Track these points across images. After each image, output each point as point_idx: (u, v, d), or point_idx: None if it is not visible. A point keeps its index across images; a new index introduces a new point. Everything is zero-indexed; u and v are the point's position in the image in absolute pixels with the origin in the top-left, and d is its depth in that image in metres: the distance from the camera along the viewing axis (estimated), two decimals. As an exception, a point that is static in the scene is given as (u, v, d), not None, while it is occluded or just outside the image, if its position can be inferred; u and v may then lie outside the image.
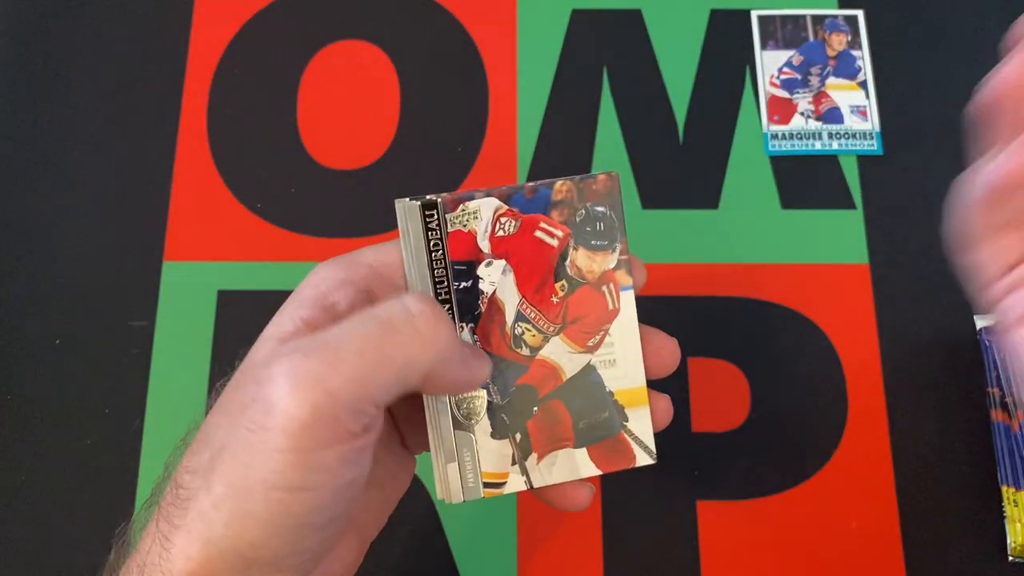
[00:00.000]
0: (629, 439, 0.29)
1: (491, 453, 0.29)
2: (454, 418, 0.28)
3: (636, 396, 0.29)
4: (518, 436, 0.29)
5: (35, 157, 0.49)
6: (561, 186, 0.28)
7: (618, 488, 0.43)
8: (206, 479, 0.24)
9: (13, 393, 0.44)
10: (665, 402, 0.30)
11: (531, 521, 0.43)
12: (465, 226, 0.28)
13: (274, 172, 0.49)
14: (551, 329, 0.29)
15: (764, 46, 0.51)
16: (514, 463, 0.29)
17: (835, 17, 0.52)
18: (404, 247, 0.28)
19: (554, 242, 0.28)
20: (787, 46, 0.51)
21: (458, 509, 0.43)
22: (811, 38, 0.51)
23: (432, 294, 0.28)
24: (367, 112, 0.50)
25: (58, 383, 0.44)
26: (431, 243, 0.28)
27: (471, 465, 0.29)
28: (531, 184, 0.28)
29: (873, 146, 0.49)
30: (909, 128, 0.50)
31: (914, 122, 0.50)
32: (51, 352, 0.45)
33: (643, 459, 0.29)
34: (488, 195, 0.28)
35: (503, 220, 0.28)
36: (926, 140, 0.49)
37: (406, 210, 0.28)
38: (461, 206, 0.28)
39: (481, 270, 0.28)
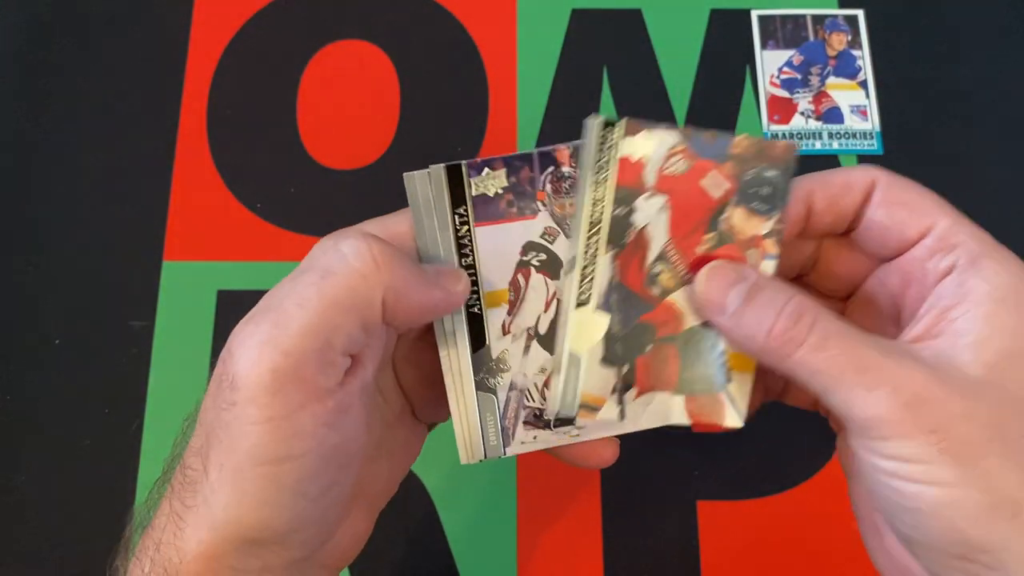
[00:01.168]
0: (726, 399, 0.29)
1: (596, 377, 0.29)
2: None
3: (745, 362, 0.29)
4: (625, 368, 0.29)
5: (35, 157, 0.49)
6: (741, 140, 0.28)
7: (618, 488, 0.43)
8: (204, 463, 0.24)
9: (13, 393, 0.44)
10: (612, 449, 0.30)
11: (531, 521, 0.43)
12: (633, 156, 0.27)
13: (274, 172, 0.49)
14: (687, 276, 0.29)
15: (764, 46, 0.51)
16: (614, 392, 0.29)
17: (835, 17, 0.52)
18: (424, 215, 0.28)
19: (717, 193, 0.28)
20: (787, 46, 0.51)
21: (458, 509, 0.43)
22: (811, 38, 0.51)
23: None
24: (367, 112, 0.50)
25: (58, 383, 0.44)
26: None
27: (574, 384, 0.29)
28: (713, 131, 0.28)
29: (873, 146, 0.49)
30: (909, 128, 0.50)
31: (914, 122, 0.50)
32: (51, 352, 0.45)
33: (732, 421, 0.29)
34: (670, 130, 0.28)
35: (676, 158, 0.28)
36: (926, 140, 0.49)
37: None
38: (643, 132, 0.27)
39: (639, 201, 0.28)
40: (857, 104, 0.50)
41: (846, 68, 0.51)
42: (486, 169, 0.28)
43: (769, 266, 0.28)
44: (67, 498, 0.43)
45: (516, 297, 0.29)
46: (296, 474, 0.24)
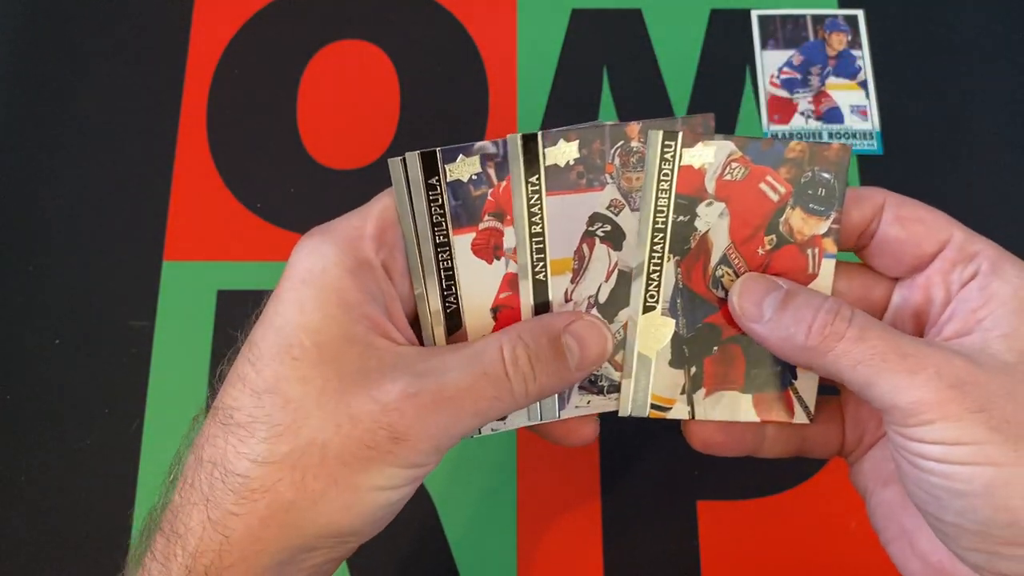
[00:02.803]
0: (793, 396, 0.30)
1: (665, 379, 0.30)
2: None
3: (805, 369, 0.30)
4: (692, 369, 0.30)
5: (35, 157, 0.49)
6: (795, 145, 0.29)
7: (618, 488, 0.43)
8: (298, 471, 0.25)
9: (13, 393, 0.44)
10: (592, 426, 0.31)
11: (531, 521, 0.43)
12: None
13: (274, 172, 0.49)
14: None
15: (764, 46, 0.51)
16: (683, 392, 0.30)
17: (835, 17, 0.52)
18: (403, 205, 0.29)
19: (775, 197, 0.29)
20: (787, 46, 0.51)
21: (458, 509, 0.43)
22: (811, 38, 0.51)
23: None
24: (367, 112, 0.50)
25: (58, 383, 0.44)
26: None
27: (644, 386, 0.30)
28: (768, 137, 0.29)
29: (873, 146, 0.49)
30: (909, 128, 0.50)
31: (914, 122, 0.50)
32: (51, 352, 0.45)
33: (800, 418, 0.30)
34: (727, 139, 0.29)
35: (733, 165, 0.29)
36: (926, 140, 0.49)
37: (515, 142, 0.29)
38: (702, 142, 0.29)
39: (700, 208, 0.29)
40: (857, 104, 0.50)
41: (846, 68, 0.51)
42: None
43: (829, 265, 0.29)
44: (67, 498, 0.43)
45: (580, 266, 0.29)
46: (406, 492, 0.26)
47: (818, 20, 0.52)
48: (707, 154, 0.29)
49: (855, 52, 0.51)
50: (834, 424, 0.31)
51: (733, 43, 0.51)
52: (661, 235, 0.29)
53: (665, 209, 0.29)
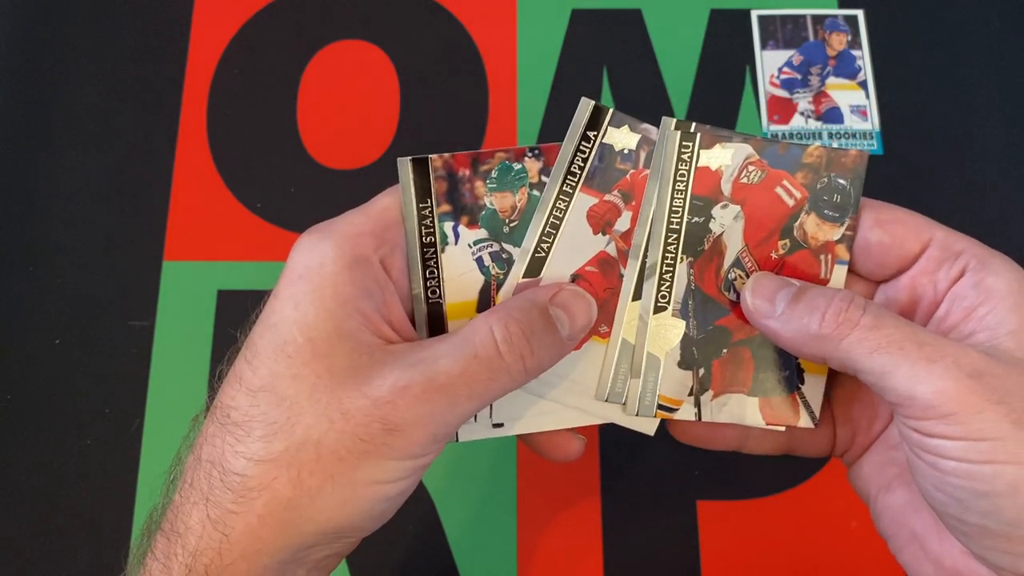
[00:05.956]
0: (799, 401, 0.30)
1: (673, 380, 0.30)
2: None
3: (818, 364, 0.30)
4: (701, 371, 0.30)
5: (36, 157, 0.49)
6: (813, 150, 0.29)
7: (618, 488, 0.43)
8: (293, 468, 0.24)
9: (13, 393, 0.44)
10: (578, 444, 0.31)
11: (531, 521, 0.43)
12: (712, 165, 0.29)
13: (274, 172, 0.49)
14: None
15: (764, 46, 0.51)
16: (691, 394, 0.30)
17: (835, 17, 0.52)
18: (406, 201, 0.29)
19: (791, 202, 0.29)
20: (787, 46, 0.51)
21: (458, 509, 0.43)
22: (811, 38, 0.51)
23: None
24: (367, 112, 0.50)
25: (58, 383, 0.44)
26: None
27: (652, 386, 0.30)
28: (785, 141, 0.29)
29: (873, 146, 0.49)
30: (909, 128, 0.50)
31: (914, 122, 0.50)
32: (51, 352, 0.45)
33: (805, 422, 0.30)
34: (745, 141, 0.29)
35: (750, 168, 0.29)
36: (926, 140, 0.49)
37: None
38: (719, 144, 0.29)
39: (716, 210, 0.29)
40: (857, 104, 0.50)
41: (846, 68, 0.51)
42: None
43: (841, 271, 0.29)
44: (67, 498, 0.43)
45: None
46: (405, 486, 0.26)
47: (818, 20, 0.52)
48: (724, 156, 0.29)
49: (855, 52, 0.51)
50: (824, 424, 0.31)
51: (733, 43, 0.51)
52: (675, 236, 0.29)
53: (680, 210, 0.29)
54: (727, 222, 0.29)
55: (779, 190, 0.29)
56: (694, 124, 0.29)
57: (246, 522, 0.24)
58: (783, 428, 0.30)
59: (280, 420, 0.25)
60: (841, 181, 0.29)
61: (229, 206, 0.48)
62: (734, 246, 0.29)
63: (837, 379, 0.31)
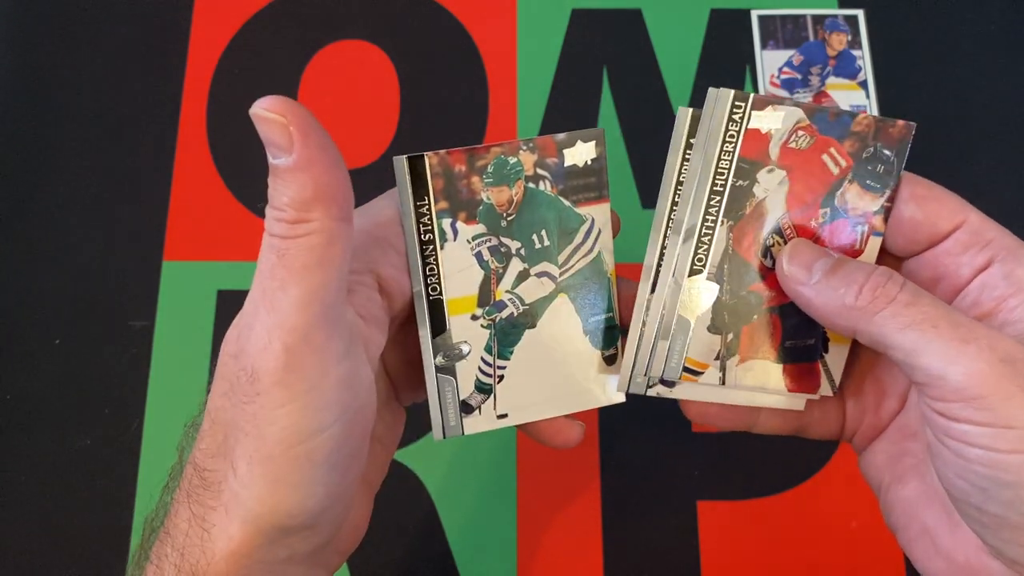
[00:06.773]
0: (822, 369, 0.30)
1: (701, 343, 0.30)
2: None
3: (846, 336, 0.30)
4: (730, 336, 0.30)
5: (35, 157, 0.49)
6: (862, 118, 0.29)
7: (618, 488, 0.43)
8: (228, 459, 0.24)
9: (13, 393, 0.44)
10: (578, 431, 0.31)
11: (531, 521, 0.43)
12: (761, 128, 0.29)
13: (274, 172, 0.48)
14: None
15: (764, 46, 0.51)
16: (717, 358, 0.30)
17: (835, 17, 0.52)
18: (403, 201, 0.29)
19: (836, 170, 0.29)
20: (787, 46, 0.51)
21: (458, 509, 0.43)
22: (811, 38, 0.51)
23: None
24: (367, 112, 0.50)
25: (58, 383, 0.44)
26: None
27: (680, 348, 0.30)
28: (835, 108, 0.29)
29: (873, 146, 0.49)
30: (909, 128, 0.50)
31: (914, 122, 0.50)
32: (51, 352, 0.45)
33: (826, 390, 0.30)
34: (797, 105, 0.29)
35: (800, 133, 0.29)
36: (926, 140, 0.49)
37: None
38: (771, 106, 0.29)
39: (761, 174, 0.29)
40: (857, 104, 0.50)
41: (846, 68, 0.51)
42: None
43: (876, 243, 0.29)
44: (67, 498, 0.43)
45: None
46: (328, 446, 0.24)
47: (818, 20, 0.52)
48: (775, 119, 0.28)
49: (855, 52, 0.51)
50: (834, 404, 0.31)
51: (733, 43, 0.51)
52: (718, 198, 0.29)
53: (726, 172, 0.29)
54: (771, 187, 0.29)
55: (826, 157, 0.29)
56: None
57: (220, 517, 0.24)
58: (804, 397, 0.30)
59: (214, 414, 0.25)
60: (887, 152, 0.29)
61: (229, 206, 0.48)
62: (775, 212, 0.29)
63: (850, 355, 0.31)
